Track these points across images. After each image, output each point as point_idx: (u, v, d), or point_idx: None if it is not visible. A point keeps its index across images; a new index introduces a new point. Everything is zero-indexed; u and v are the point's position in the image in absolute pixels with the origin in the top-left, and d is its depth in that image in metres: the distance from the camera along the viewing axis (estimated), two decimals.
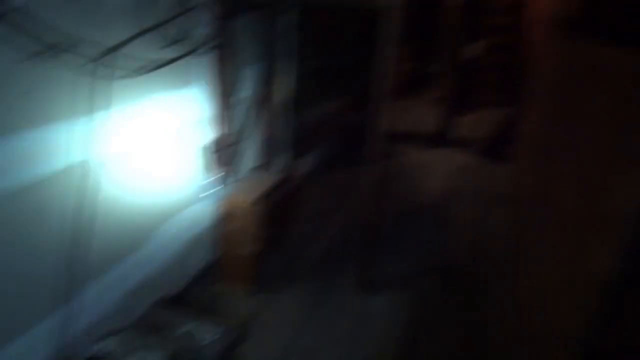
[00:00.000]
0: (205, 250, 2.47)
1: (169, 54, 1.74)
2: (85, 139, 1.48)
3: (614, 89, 1.57)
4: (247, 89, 2.49)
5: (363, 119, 2.48)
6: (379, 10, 2.11)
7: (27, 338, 1.43)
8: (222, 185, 2.38)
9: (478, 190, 3.92)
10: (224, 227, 2.35)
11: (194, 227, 2.31)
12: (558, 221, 1.94)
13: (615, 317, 1.15)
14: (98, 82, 1.46)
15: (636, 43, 1.45)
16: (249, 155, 2.70)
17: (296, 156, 2.96)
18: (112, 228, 1.72)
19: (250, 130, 2.54)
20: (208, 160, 2.28)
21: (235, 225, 2.31)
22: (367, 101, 2.31)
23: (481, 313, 2.40)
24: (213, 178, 2.35)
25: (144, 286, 1.98)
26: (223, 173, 2.40)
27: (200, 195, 2.24)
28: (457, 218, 3.42)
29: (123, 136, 1.69)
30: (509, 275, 2.57)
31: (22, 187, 1.32)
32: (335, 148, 4.30)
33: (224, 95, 2.30)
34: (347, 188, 3.67)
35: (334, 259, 2.78)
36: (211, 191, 2.31)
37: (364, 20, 3.38)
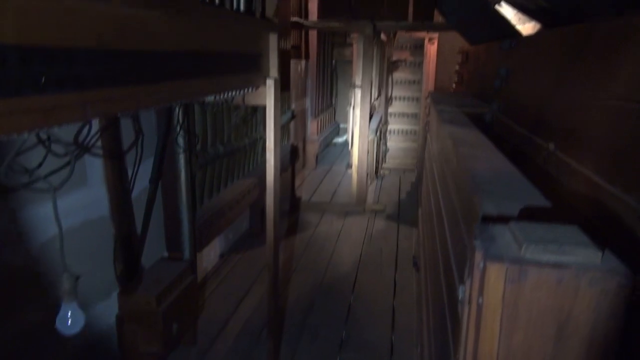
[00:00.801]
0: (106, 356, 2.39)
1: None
2: None
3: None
4: (144, 184, 2.55)
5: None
6: (260, 106, 2.30)
7: None
8: (123, 282, 2.37)
9: (391, 256, 4.11)
10: (126, 326, 2.31)
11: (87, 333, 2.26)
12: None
13: None
14: None
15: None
16: (151, 250, 2.70)
17: (202, 244, 3.00)
18: None
19: (148, 225, 2.57)
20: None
21: (139, 323, 2.28)
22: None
23: None
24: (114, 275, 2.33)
25: None
26: (124, 270, 2.40)
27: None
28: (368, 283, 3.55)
29: None
30: None
31: None
32: (245, 228, 4.39)
33: (119, 193, 2.35)
34: (259, 267, 3.73)
35: (246, 346, 2.77)
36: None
37: (248, 112, 3.59)
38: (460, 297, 0.90)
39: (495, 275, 0.76)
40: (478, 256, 0.79)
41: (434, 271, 2.16)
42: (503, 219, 0.92)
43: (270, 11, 2.11)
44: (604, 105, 1.43)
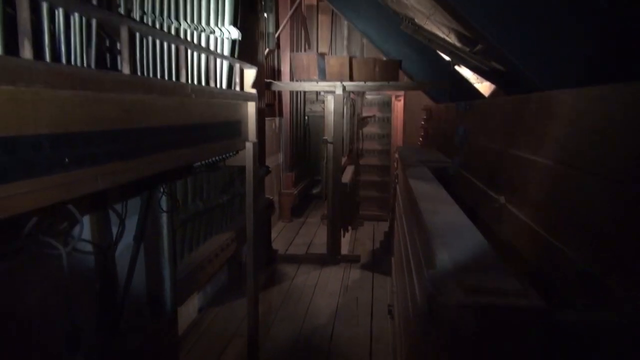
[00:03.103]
0: None
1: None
2: None
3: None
4: (127, 241, 2.65)
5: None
6: (243, 167, 2.48)
7: None
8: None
9: (367, 305, 4.22)
10: None
11: None
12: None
13: None
14: None
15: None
16: (135, 305, 2.77)
17: (182, 298, 3.07)
18: None
19: (131, 280, 2.66)
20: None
21: None
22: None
23: None
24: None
25: None
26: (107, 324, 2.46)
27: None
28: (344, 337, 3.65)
29: None
30: None
31: None
32: (223, 281, 4.46)
33: (104, 251, 2.45)
34: (239, 319, 3.79)
35: None
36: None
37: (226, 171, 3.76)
38: (419, 335, 1.07)
39: (444, 314, 0.93)
40: (430, 299, 0.97)
41: (405, 316, 2.31)
42: (453, 266, 1.11)
43: (249, 82, 2.34)
44: (540, 165, 1.67)
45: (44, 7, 0.90)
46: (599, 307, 1.07)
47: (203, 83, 1.78)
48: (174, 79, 1.56)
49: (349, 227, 6.59)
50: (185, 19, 1.59)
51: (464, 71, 5.07)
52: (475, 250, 1.33)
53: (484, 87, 4.96)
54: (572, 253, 1.33)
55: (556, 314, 0.97)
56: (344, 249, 5.68)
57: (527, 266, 1.65)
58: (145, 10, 1.34)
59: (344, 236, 5.83)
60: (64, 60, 1.03)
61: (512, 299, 0.92)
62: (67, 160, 0.99)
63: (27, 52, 0.86)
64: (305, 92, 8.14)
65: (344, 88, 5.09)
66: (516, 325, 0.90)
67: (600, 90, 1.29)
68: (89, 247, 2.39)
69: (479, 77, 4.83)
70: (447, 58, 4.99)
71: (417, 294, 1.77)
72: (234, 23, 1.95)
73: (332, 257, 5.37)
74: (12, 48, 0.91)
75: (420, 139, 6.17)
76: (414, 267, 2.03)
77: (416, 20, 4.61)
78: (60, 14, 0.96)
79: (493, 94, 4.62)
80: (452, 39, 4.37)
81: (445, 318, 0.93)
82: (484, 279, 1.00)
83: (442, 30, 4.44)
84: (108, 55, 1.34)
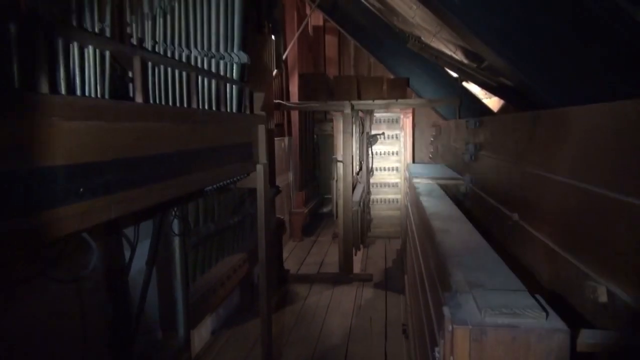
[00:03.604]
0: None
1: None
2: None
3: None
4: (139, 263, 2.66)
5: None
6: (254, 189, 2.49)
7: None
8: None
9: (381, 325, 4.17)
10: None
11: None
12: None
13: None
14: None
15: None
16: (148, 329, 2.76)
17: (195, 322, 3.06)
18: None
19: (144, 305, 2.65)
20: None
21: None
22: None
23: None
24: None
25: None
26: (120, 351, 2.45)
27: None
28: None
29: None
30: None
31: None
32: (235, 303, 4.44)
33: (116, 275, 2.45)
34: (252, 341, 3.76)
35: None
36: None
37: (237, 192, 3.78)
38: (437, 358, 1.05)
39: (462, 337, 0.91)
40: (447, 321, 0.95)
41: (420, 337, 2.28)
42: (469, 287, 1.09)
43: (258, 105, 2.36)
44: (555, 181, 1.65)
45: (60, 42, 0.92)
46: (621, 329, 1.05)
47: (214, 108, 1.80)
48: (185, 104, 1.58)
49: (361, 246, 6.55)
50: (195, 46, 1.62)
51: (472, 87, 5.08)
52: (492, 270, 1.31)
53: (493, 102, 4.96)
54: (592, 271, 1.30)
55: (578, 336, 0.95)
56: (356, 268, 5.64)
57: (542, 285, 1.62)
58: (157, 39, 1.37)
59: (355, 255, 5.80)
60: (78, 91, 1.05)
61: (533, 321, 0.91)
62: (81, 190, 1.00)
63: (43, 86, 0.88)
64: (314, 112, 8.19)
65: (352, 107, 5.12)
66: (538, 348, 0.88)
67: (612, 107, 1.28)
68: (101, 273, 2.40)
69: (487, 93, 4.84)
70: (454, 74, 5.01)
71: (432, 314, 1.74)
72: (243, 48, 1.98)
73: (344, 276, 5.33)
74: (29, 82, 0.93)
75: (430, 155, 6.16)
76: (428, 287, 2.01)
77: (422, 38, 4.65)
78: (75, 47, 0.98)
79: (502, 109, 4.62)
80: (458, 55, 4.39)
81: (462, 342, 0.92)
82: (502, 301, 0.98)
83: (448, 47, 4.46)
84: (120, 83, 1.37)
